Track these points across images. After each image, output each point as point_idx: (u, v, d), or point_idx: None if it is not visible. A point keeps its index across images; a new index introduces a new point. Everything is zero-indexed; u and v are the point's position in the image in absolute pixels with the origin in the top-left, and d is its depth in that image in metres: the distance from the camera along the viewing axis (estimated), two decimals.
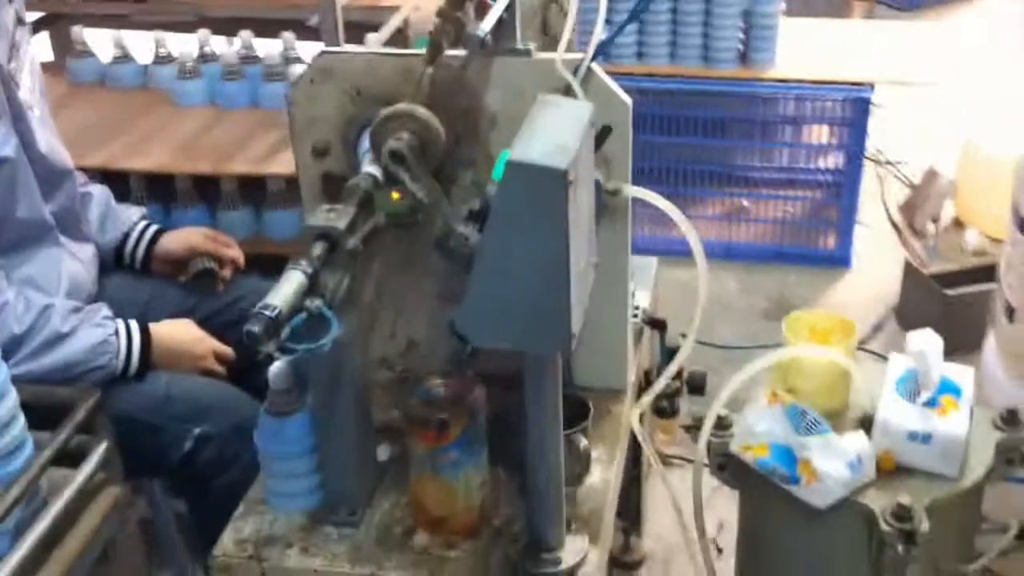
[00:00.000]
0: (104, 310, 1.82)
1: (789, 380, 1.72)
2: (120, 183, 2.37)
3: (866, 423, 1.70)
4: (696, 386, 2.10)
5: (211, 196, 2.43)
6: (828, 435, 1.55)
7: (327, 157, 1.73)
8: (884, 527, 1.51)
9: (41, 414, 1.30)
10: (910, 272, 3.28)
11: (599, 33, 1.52)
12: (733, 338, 3.16)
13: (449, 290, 1.80)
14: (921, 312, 3.09)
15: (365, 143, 1.65)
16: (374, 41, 2.36)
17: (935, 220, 3.88)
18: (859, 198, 3.64)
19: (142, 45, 2.84)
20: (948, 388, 1.62)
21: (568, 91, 1.57)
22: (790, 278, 3.60)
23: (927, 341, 1.61)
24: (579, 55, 1.60)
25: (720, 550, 2.39)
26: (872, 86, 3.42)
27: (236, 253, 2.08)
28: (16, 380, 1.30)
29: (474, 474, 1.51)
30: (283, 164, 2.31)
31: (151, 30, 2.73)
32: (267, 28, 2.69)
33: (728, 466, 1.71)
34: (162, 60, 2.70)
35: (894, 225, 3.94)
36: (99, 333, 1.76)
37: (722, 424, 1.71)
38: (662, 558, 2.44)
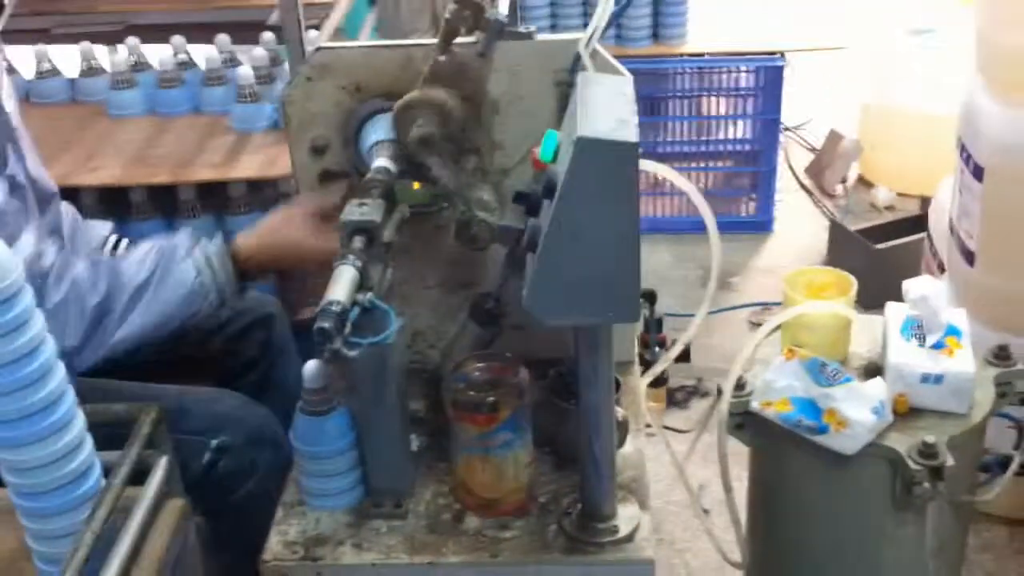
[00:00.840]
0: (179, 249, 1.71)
1: (794, 336, 1.79)
2: (70, 201, 2.29)
3: (870, 371, 1.78)
4: (682, 354, 2.16)
5: (167, 207, 2.36)
6: (852, 383, 1.62)
7: (326, 155, 1.72)
8: (912, 465, 1.59)
9: (95, 432, 1.26)
10: (837, 230, 3.42)
11: (607, 11, 1.55)
12: (677, 307, 3.24)
13: (455, 278, 1.81)
14: (851, 268, 3.20)
15: (371, 137, 1.64)
16: (323, 37, 2.34)
17: (843, 181, 4.05)
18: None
19: (67, 59, 2.74)
20: (950, 330, 1.70)
21: (573, 71, 1.60)
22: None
23: (928, 287, 1.69)
24: (577, 36, 1.62)
25: (706, 511, 2.46)
26: (783, 54, 3.55)
27: None
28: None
29: (523, 453, 1.53)
30: (244, 168, 2.27)
31: (76, 42, 2.64)
32: (196, 33, 2.64)
33: (746, 424, 1.76)
34: (92, 72, 2.62)
35: (804, 188, 4.10)
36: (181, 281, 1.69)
37: (737, 384, 1.76)
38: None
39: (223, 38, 2.54)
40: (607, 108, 1.23)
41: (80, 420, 1.18)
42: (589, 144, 1.16)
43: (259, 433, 1.79)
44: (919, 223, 3.38)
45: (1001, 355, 1.77)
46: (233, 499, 1.77)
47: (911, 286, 1.73)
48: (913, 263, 2.98)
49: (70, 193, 2.29)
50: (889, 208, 3.79)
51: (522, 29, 1.61)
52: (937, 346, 1.68)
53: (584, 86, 1.29)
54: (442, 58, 1.52)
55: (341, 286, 1.29)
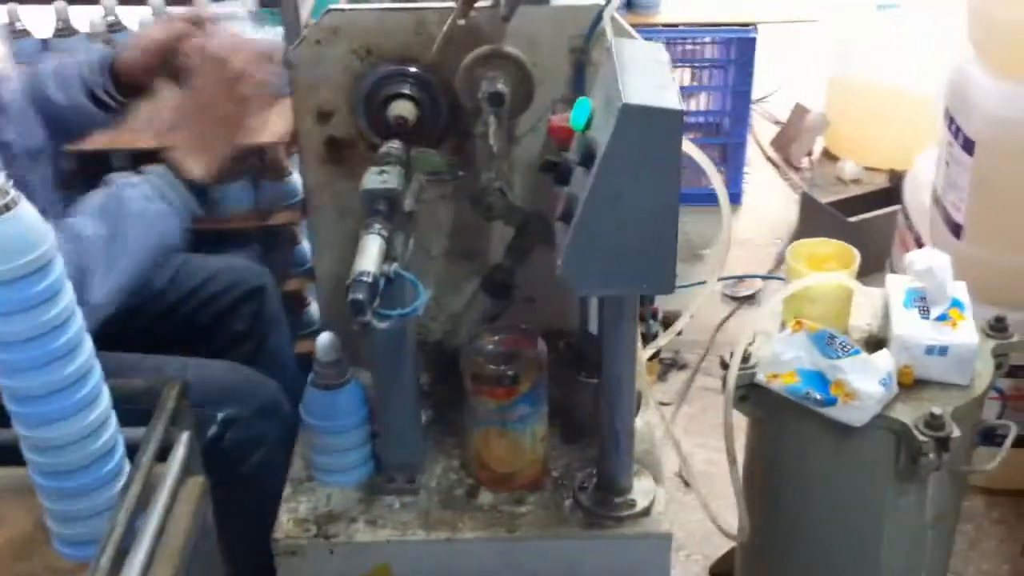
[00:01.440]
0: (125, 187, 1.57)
1: (797, 308, 1.79)
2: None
3: (871, 343, 1.79)
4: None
5: None
6: (860, 355, 1.62)
7: (331, 121, 1.68)
8: (919, 436, 1.60)
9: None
10: (808, 203, 3.44)
11: None
12: None
13: (459, 248, 1.78)
14: None
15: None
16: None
17: (809, 154, 4.08)
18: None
19: (38, 19, 2.64)
20: (953, 302, 1.72)
21: (586, 39, 1.58)
22: (687, 219, 3.70)
23: (933, 259, 1.71)
24: (593, 2, 1.60)
25: (687, 484, 2.48)
26: (755, 26, 3.55)
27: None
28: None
29: (540, 427, 1.52)
30: None
31: (48, 2, 2.54)
32: None
33: (750, 396, 1.76)
34: (66, 32, 2.50)
35: (770, 161, 4.12)
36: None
37: (742, 356, 1.76)
38: None
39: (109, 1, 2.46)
40: (647, 74, 1.21)
41: (106, 396, 1.14)
42: (634, 111, 1.15)
43: (267, 406, 1.75)
44: (888, 196, 3.42)
45: (998, 327, 1.79)
46: (240, 471, 1.73)
47: (915, 258, 1.74)
48: (886, 236, 3.01)
49: (102, 157, 2.22)
50: (855, 181, 3.83)
51: None
52: (941, 318, 1.69)
53: (620, 52, 1.27)
54: (461, 21, 1.49)
55: (369, 256, 1.26)
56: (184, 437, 1.25)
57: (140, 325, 1.85)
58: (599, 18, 1.56)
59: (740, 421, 2.00)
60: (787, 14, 3.64)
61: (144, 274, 1.60)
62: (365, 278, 1.22)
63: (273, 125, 2.21)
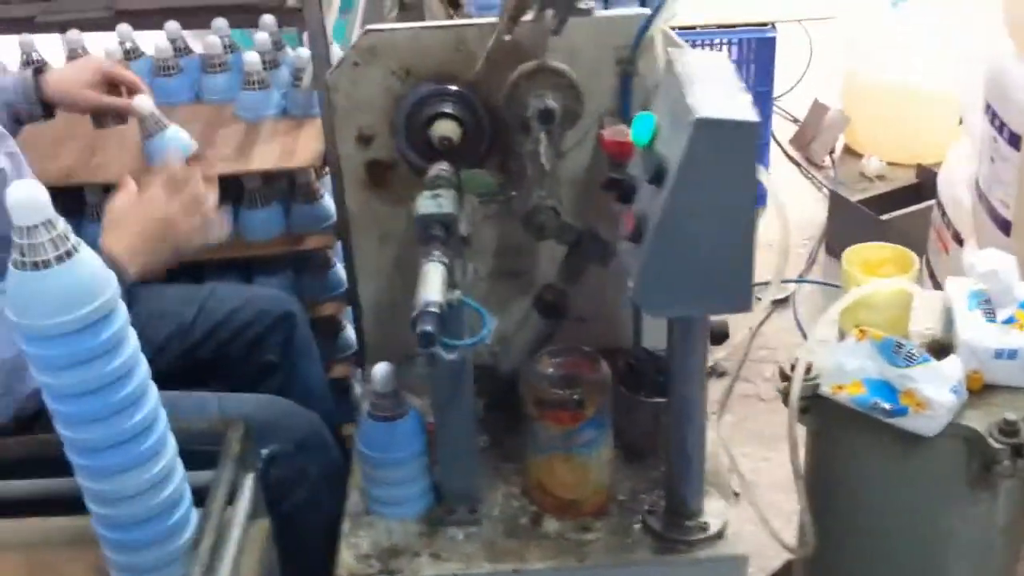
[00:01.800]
0: None
1: (855, 316, 1.74)
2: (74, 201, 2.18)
3: (934, 349, 1.74)
4: (720, 336, 2.11)
5: None
6: (931, 363, 1.58)
7: (372, 144, 1.63)
8: (994, 444, 1.55)
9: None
10: (838, 202, 3.39)
11: None
12: None
13: (505, 268, 1.74)
14: (855, 239, 3.18)
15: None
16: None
17: (832, 152, 4.03)
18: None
19: (53, 49, 2.60)
20: (1020, 304, 1.67)
21: (632, 49, 1.54)
22: None
23: (998, 261, 1.66)
24: (637, 11, 1.56)
25: (736, 494, 2.42)
26: (773, 25, 3.50)
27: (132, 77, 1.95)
28: None
29: (605, 451, 1.47)
30: (260, 160, 2.16)
31: (62, 31, 2.50)
32: (189, 18, 2.51)
33: (811, 408, 1.71)
34: None
35: (791, 159, 4.07)
36: None
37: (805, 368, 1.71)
38: None
39: (220, 22, 2.42)
40: (715, 85, 1.17)
41: (172, 445, 1.10)
42: (708, 125, 1.10)
43: (309, 440, 1.70)
44: (917, 192, 3.37)
45: None
46: (283, 508, 1.69)
47: (978, 259, 1.69)
48: (920, 234, 2.96)
49: (75, 192, 2.18)
50: (880, 178, 3.77)
51: (581, 5, 1.53)
52: (1008, 320, 1.64)
53: (682, 62, 1.22)
54: (507, 37, 1.44)
55: (434, 285, 1.22)
56: (249, 480, 1.21)
57: (168, 359, 1.80)
58: (646, 28, 1.52)
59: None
60: (803, 12, 3.60)
61: None
62: (433, 308, 1.17)
63: (303, 149, 2.16)
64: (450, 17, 2.84)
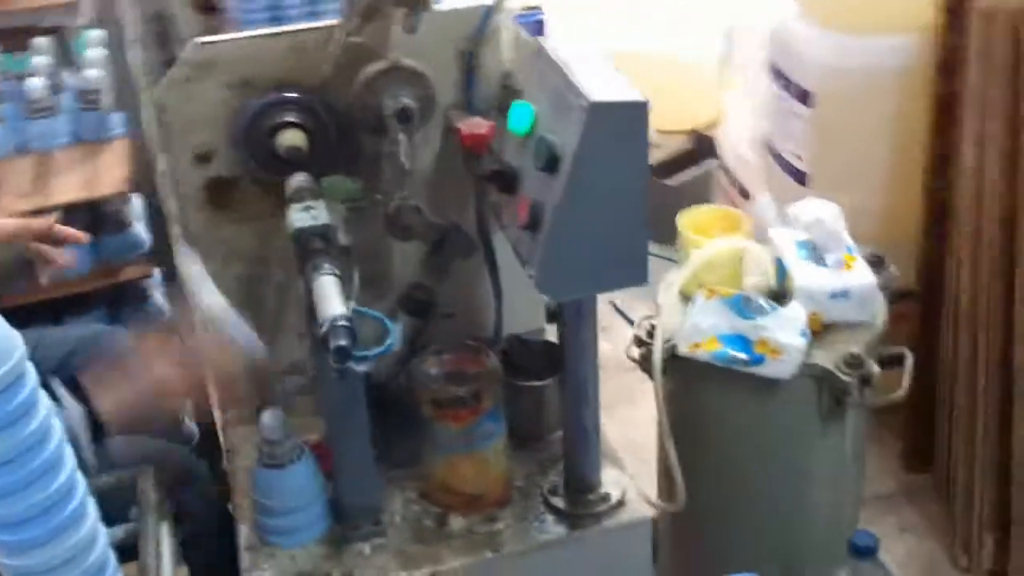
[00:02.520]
0: None
1: (697, 276, 1.82)
2: None
3: (772, 297, 1.85)
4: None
5: None
6: (779, 311, 1.68)
7: (212, 162, 1.56)
8: (843, 377, 1.67)
9: None
10: None
11: None
12: None
13: (366, 272, 1.70)
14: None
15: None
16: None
17: None
18: None
19: None
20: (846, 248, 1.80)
21: (475, 41, 1.54)
22: None
23: (821, 210, 1.78)
24: (473, 3, 1.56)
25: None
26: (540, 9, 3.58)
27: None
28: None
29: (501, 441, 1.48)
30: (60, 193, 2.02)
31: None
32: None
33: (667, 369, 1.78)
34: None
35: None
36: None
37: (648, 332, 1.78)
38: None
39: None
40: (593, 70, 1.19)
41: (93, 505, 1.02)
42: (602, 108, 1.12)
43: (183, 475, 1.62)
44: (693, 156, 3.55)
45: (876, 262, 1.89)
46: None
47: (800, 210, 1.81)
48: (703, 194, 3.12)
49: None
50: (656, 146, 3.94)
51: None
52: (837, 263, 1.77)
53: (553, 51, 1.24)
54: (357, 39, 1.41)
55: (334, 298, 1.19)
56: (166, 528, 1.13)
57: None
58: (487, 19, 1.52)
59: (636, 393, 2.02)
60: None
61: None
62: (342, 322, 1.14)
63: (107, 175, 2.04)
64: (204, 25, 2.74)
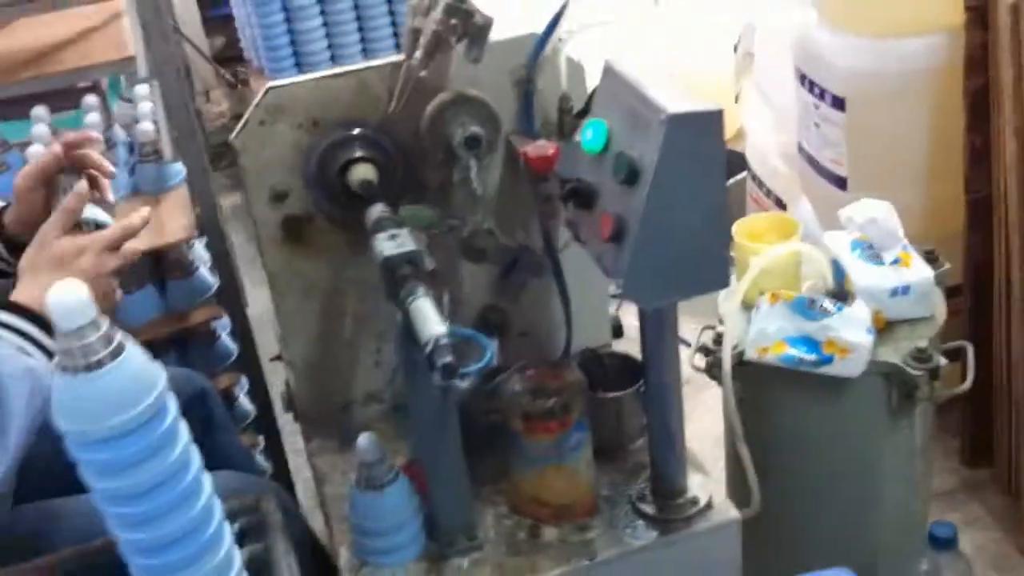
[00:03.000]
0: None
1: (756, 283, 1.86)
2: None
3: (831, 298, 1.89)
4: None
5: None
6: (844, 311, 1.71)
7: (287, 200, 1.62)
8: (912, 372, 1.71)
9: None
10: None
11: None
12: None
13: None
14: None
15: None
16: None
17: None
18: None
19: None
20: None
21: (530, 67, 1.60)
22: None
23: (875, 211, 1.82)
24: (524, 32, 1.61)
25: None
26: None
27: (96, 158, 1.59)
28: None
29: (589, 451, 1.52)
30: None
31: None
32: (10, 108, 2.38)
33: (735, 376, 1.82)
34: None
35: None
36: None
37: (719, 340, 1.82)
38: None
39: (40, 111, 2.30)
40: (661, 84, 1.24)
41: (228, 532, 1.06)
42: (680, 120, 1.17)
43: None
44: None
45: (929, 257, 1.93)
46: None
47: (854, 212, 1.85)
48: (736, 208, 3.17)
49: None
50: None
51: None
52: (895, 261, 1.81)
53: (620, 69, 1.29)
54: (423, 73, 1.47)
55: (432, 318, 1.23)
56: (285, 548, 1.18)
57: None
58: (542, 46, 1.58)
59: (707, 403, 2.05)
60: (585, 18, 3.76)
61: (32, 435, 1.35)
62: (445, 340, 1.18)
63: (170, 223, 2.10)
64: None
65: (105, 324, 0.92)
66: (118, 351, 0.92)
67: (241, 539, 1.56)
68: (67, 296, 0.90)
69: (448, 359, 1.16)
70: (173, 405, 0.98)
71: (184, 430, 1.00)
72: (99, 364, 0.91)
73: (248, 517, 1.58)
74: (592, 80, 1.56)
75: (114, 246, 1.46)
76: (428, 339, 1.19)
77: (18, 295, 1.40)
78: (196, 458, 1.01)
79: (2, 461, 1.27)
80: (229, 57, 4.67)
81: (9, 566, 1.26)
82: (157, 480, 0.97)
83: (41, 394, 1.32)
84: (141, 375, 0.94)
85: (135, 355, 0.94)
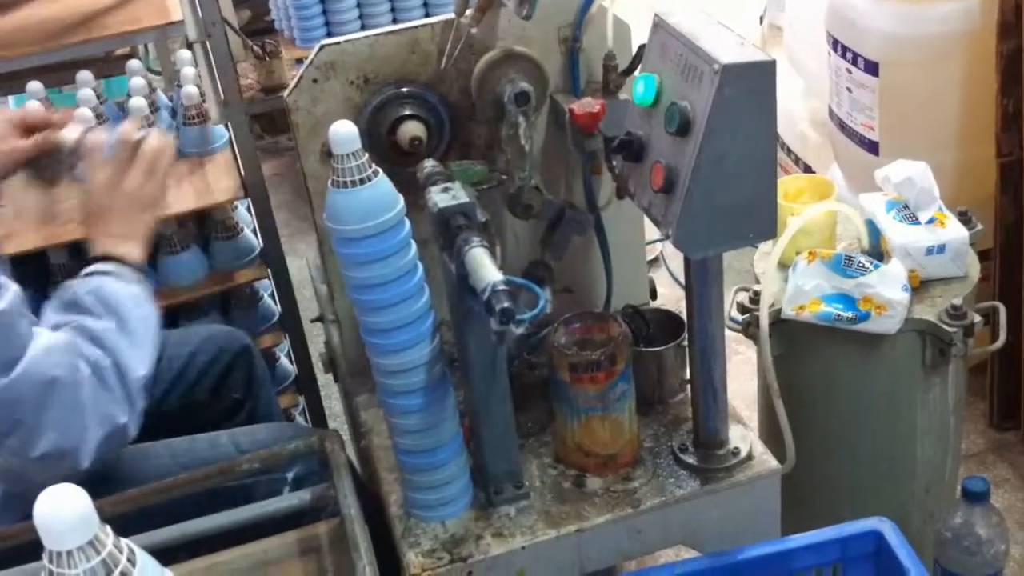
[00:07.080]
0: None
1: (796, 243, 1.89)
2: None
3: (870, 256, 1.91)
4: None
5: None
6: (881, 268, 1.74)
7: None
8: (948, 329, 1.74)
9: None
10: None
11: None
12: None
13: None
14: None
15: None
16: None
17: None
18: None
19: None
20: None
21: (576, 26, 1.63)
22: None
23: (910, 171, 1.84)
24: None
25: None
26: None
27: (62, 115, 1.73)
28: None
29: (632, 402, 1.55)
30: (178, 203, 2.10)
31: None
32: (48, 76, 2.42)
33: (772, 334, 1.85)
34: None
35: None
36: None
37: (756, 299, 1.85)
38: None
39: (85, 75, 2.34)
40: (719, 37, 1.27)
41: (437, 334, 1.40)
42: (733, 70, 1.20)
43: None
44: None
45: (964, 219, 1.95)
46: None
47: (891, 172, 1.87)
48: None
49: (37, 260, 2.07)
50: None
51: None
52: (930, 220, 1.84)
53: (670, 24, 1.32)
54: (474, 30, 1.50)
55: (489, 267, 1.26)
56: (350, 485, 1.22)
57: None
58: (588, 4, 1.61)
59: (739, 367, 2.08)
60: None
61: (158, 350, 1.55)
62: (502, 287, 1.22)
63: (217, 185, 2.14)
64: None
65: (363, 156, 1.27)
66: (376, 174, 1.29)
67: (302, 482, 1.62)
68: (343, 131, 1.28)
69: (506, 304, 1.20)
70: (407, 224, 1.32)
71: (412, 243, 1.32)
72: (363, 181, 1.27)
73: (310, 460, 1.65)
74: (637, 40, 1.59)
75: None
76: (486, 285, 1.22)
77: (103, 246, 1.55)
78: (420, 266, 1.35)
79: (142, 355, 1.46)
80: (255, 30, 4.70)
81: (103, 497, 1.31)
82: (395, 275, 1.30)
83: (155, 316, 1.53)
84: (390, 194, 1.30)
85: (385, 181, 1.29)
